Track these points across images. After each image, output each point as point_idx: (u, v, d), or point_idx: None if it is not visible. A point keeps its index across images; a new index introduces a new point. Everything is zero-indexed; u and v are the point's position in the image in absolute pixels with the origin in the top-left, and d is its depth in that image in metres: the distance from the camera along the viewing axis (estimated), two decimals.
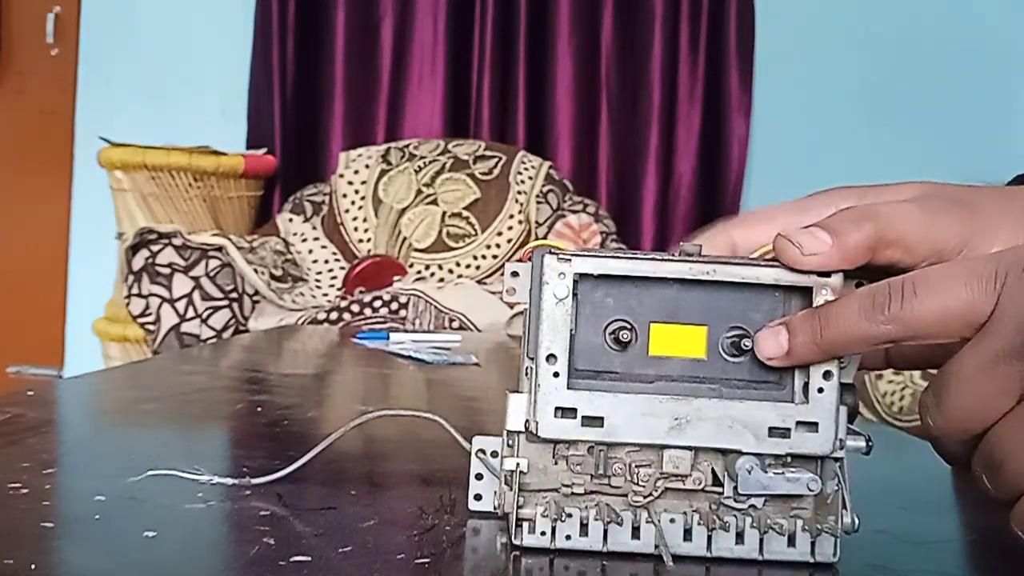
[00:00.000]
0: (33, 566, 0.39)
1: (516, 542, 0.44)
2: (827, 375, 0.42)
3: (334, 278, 2.61)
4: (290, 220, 2.72)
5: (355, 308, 2.25)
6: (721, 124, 2.94)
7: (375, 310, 2.25)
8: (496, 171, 2.70)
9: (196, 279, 2.33)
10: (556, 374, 0.42)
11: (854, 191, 0.46)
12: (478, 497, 0.48)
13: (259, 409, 0.81)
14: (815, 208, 0.45)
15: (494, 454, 0.48)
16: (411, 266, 2.62)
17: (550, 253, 0.43)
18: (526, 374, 0.43)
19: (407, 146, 2.80)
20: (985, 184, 0.46)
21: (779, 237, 0.42)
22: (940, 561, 0.47)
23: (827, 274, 0.42)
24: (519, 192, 2.67)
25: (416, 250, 2.64)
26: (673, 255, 0.43)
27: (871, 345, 0.40)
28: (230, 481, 0.51)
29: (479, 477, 0.48)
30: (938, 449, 0.41)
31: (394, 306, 2.25)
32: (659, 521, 0.43)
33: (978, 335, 0.37)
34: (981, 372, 0.36)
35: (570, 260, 0.42)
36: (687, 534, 0.43)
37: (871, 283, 0.45)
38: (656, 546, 0.43)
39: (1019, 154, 2.84)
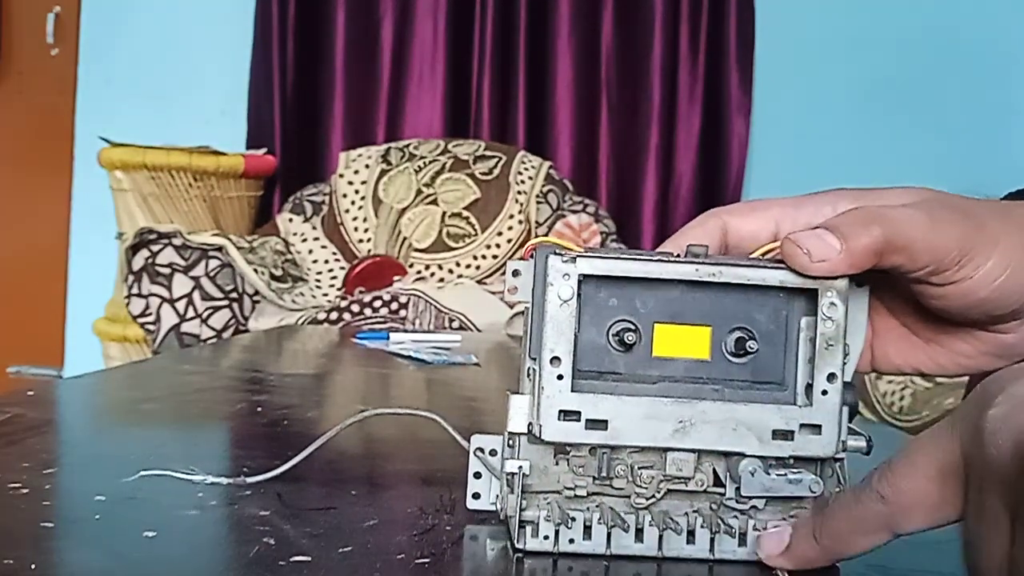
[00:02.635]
0: (33, 566, 0.39)
1: (519, 546, 0.43)
2: (831, 377, 0.42)
3: (334, 278, 2.61)
4: (290, 220, 2.71)
5: (355, 308, 2.25)
6: (721, 124, 2.94)
7: (375, 310, 2.25)
8: (496, 171, 2.70)
9: (196, 279, 2.33)
10: (560, 377, 0.42)
11: (851, 193, 0.46)
12: (476, 496, 0.48)
13: (259, 409, 0.80)
14: (811, 205, 0.45)
15: (492, 452, 0.47)
16: (411, 266, 2.62)
17: (554, 254, 0.42)
18: (528, 375, 0.43)
19: (407, 146, 2.80)
20: (983, 197, 0.46)
21: (787, 241, 0.42)
22: (940, 561, 0.47)
23: (833, 276, 0.42)
24: (519, 192, 2.67)
25: (416, 250, 2.64)
26: (673, 254, 0.43)
27: (870, 529, 0.39)
28: (225, 480, 0.51)
29: (477, 476, 0.48)
30: None
31: (394, 306, 2.25)
32: (662, 524, 0.43)
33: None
34: (974, 526, 0.34)
35: (574, 261, 0.42)
36: (690, 536, 0.43)
37: (871, 285, 0.45)
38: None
39: (1019, 155, 2.84)
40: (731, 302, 0.43)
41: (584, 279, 0.42)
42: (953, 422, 0.35)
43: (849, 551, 0.39)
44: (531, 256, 0.43)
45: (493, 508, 0.47)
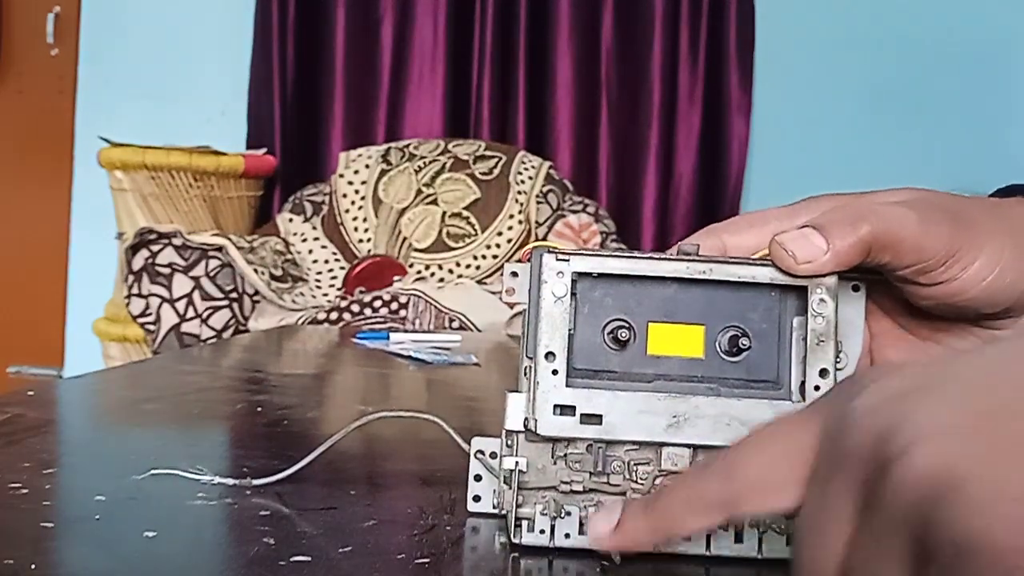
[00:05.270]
0: (33, 566, 0.39)
1: (515, 540, 0.44)
2: (823, 373, 0.42)
3: (334, 278, 2.61)
4: (290, 220, 2.72)
5: (355, 308, 2.25)
6: (721, 124, 2.94)
7: (375, 310, 2.25)
8: (496, 171, 2.70)
9: (196, 279, 2.33)
10: (555, 372, 0.42)
11: (844, 198, 0.46)
12: (477, 498, 0.48)
13: (259, 409, 0.81)
14: (806, 213, 0.45)
15: (493, 455, 0.48)
16: (411, 266, 2.62)
17: (549, 252, 0.43)
18: (525, 374, 0.43)
19: (407, 146, 2.80)
20: (973, 195, 0.46)
21: (774, 243, 0.43)
22: None
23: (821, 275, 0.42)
24: (519, 192, 2.67)
25: (416, 250, 2.64)
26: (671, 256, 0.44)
27: (705, 507, 0.34)
28: (231, 481, 0.51)
29: (478, 478, 0.48)
30: None
31: (394, 306, 2.25)
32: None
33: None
34: (813, 510, 0.30)
35: (568, 259, 0.43)
36: None
37: (866, 283, 0.45)
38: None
39: (1017, 155, 2.84)
40: (724, 301, 0.44)
41: (579, 277, 0.43)
42: (816, 409, 0.32)
43: (678, 530, 0.35)
44: (529, 260, 0.43)
45: (494, 511, 0.47)
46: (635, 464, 0.43)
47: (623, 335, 0.43)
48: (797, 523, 0.32)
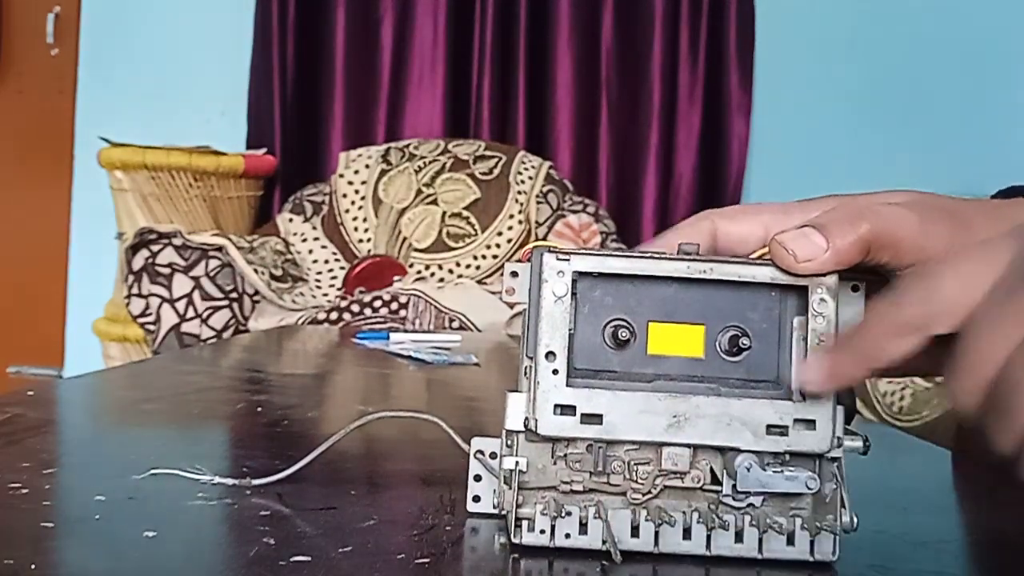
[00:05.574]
0: (33, 566, 0.39)
1: (515, 540, 0.44)
2: None
3: (334, 278, 2.61)
4: (290, 220, 2.72)
5: (355, 308, 2.25)
6: (721, 124, 2.94)
7: (375, 310, 2.25)
8: (496, 171, 2.70)
9: (196, 279, 2.33)
10: (555, 371, 0.42)
11: (841, 199, 0.46)
12: (476, 499, 0.48)
13: (259, 409, 0.81)
14: (800, 212, 0.45)
15: (493, 455, 0.48)
16: (411, 266, 2.62)
17: (549, 252, 0.43)
18: (525, 374, 0.43)
19: (407, 146, 2.80)
20: (973, 197, 0.46)
21: (774, 242, 0.43)
22: (940, 561, 0.47)
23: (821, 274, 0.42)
24: (519, 192, 2.67)
25: (416, 250, 2.64)
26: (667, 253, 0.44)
27: (906, 331, 0.38)
28: (231, 481, 0.51)
29: (477, 479, 0.48)
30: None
31: (394, 306, 2.25)
32: (658, 520, 0.43)
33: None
34: (993, 312, 0.35)
35: (569, 259, 0.43)
36: (686, 533, 0.43)
37: (865, 283, 0.45)
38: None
39: (1016, 155, 2.84)
40: (724, 301, 0.44)
41: (579, 277, 0.43)
42: (1009, 236, 0.36)
43: (884, 357, 0.39)
44: (529, 259, 0.43)
45: (494, 511, 0.47)
46: (635, 464, 0.43)
47: (623, 335, 0.43)
48: (970, 321, 0.35)
